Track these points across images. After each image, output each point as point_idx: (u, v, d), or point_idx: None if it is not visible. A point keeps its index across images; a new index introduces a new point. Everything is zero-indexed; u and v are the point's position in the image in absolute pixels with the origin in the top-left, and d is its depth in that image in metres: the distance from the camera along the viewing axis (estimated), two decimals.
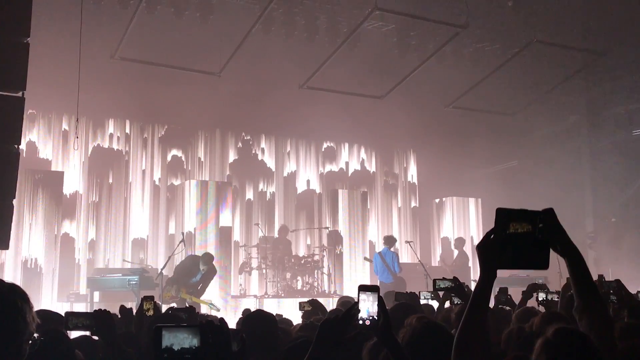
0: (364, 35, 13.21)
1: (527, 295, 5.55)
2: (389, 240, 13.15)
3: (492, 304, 5.75)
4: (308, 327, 4.62)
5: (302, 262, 13.43)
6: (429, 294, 5.63)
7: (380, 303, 2.25)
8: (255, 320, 3.94)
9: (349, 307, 2.30)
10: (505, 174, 16.41)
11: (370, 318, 2.24)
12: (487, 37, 13.87)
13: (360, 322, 2.24)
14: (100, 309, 3.36)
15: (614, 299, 4.57)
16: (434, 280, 4.89)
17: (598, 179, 15.10)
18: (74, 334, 3.73)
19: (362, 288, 2.27)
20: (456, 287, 4.67)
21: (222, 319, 1.84)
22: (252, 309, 6.28)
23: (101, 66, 12.22)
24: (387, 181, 17.24)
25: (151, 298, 4.56)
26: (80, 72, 9.99)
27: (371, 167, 17.09)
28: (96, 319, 3.26)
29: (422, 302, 5.83)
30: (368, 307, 2.24)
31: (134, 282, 10.05)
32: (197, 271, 10.53)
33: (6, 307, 1.68)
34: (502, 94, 15.12)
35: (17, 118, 5.92)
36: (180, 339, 1.78)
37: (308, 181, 16.22)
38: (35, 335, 1.76)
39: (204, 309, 10.41)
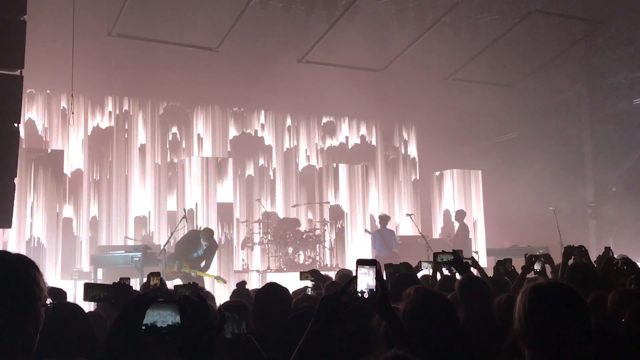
0: (363, 7, 13.09)
1: (526, 269, 5.54)
2: (384, 219, 13.42)
3: (492, 274, 5.79)
4: (309, 298, 4.73)
5: (304, 236, 13.48)
6: (429, 264, 5.68)
7: (378, 276, 2.27)
8: (269, 290, 4.05)
9: (347, 280, 2.32)
10: (506, 145, 16.38)
11: (369, 291, 2.26)
12: (487, 7, 13.74)
13: (359, 295, 2.26)
14: (119, 282, 3.33)
15: (623, 267, 4.66)
16: (435, 254, 4.94)
17: (598, 149, 15.06)
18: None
19: (360, 262, 2.29)
20: (455, 260, 4.71)
21: (199, 295, 1.86)
22: (247, 282, 6.36)
23: (98, 43, 12.15)
24: (387, 155, 17.23)
25: (157, 274, 4.61)
26: (76, 50, 9.94)
27: (371, 141, 17.06)
28: (115, 291, 3.24)
29: (424, 272, 5.89)
30: (367, 281, 2.26)
31: (137, 259, 10.08)
32: (198, 246, 10.56)
33: (21, 276, 1.71)
34: (501, 65, 15.03)
35: (16, 96, 5.92)
36: (163, 316, 1.77)
37: (308, 156, 16.21)
38: (49, 301, 1.80)
39: (208, 282, 10.48)
